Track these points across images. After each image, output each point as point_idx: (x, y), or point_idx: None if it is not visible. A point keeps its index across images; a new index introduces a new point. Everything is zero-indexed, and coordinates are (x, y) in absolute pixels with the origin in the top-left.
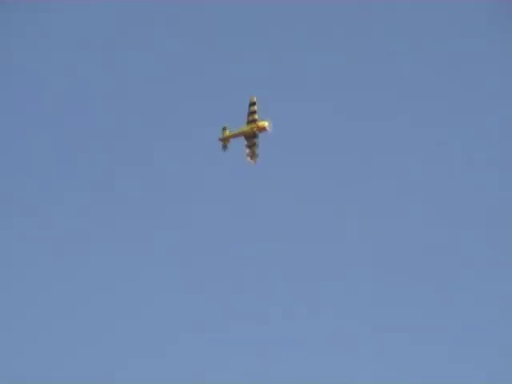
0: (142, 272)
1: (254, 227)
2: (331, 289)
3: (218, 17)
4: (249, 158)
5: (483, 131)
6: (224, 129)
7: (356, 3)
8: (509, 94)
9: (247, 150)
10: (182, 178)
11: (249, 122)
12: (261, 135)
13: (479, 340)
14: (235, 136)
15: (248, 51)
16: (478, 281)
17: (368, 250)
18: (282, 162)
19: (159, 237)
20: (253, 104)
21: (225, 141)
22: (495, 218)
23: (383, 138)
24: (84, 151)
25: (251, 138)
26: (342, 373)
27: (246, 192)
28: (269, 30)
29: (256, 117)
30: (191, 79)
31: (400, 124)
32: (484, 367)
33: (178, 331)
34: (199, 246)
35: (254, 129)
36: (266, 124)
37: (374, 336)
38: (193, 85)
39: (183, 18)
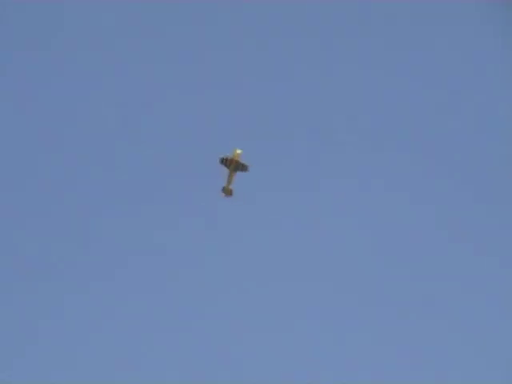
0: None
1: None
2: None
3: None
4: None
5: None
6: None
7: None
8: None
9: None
10: None
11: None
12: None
13: (478, 340)
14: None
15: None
16: (477, 281)
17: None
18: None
19: None
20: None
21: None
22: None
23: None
24: None
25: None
26: (342, 372)
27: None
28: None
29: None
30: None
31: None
32: (483, 367)
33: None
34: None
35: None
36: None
37: (373, 336)
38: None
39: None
